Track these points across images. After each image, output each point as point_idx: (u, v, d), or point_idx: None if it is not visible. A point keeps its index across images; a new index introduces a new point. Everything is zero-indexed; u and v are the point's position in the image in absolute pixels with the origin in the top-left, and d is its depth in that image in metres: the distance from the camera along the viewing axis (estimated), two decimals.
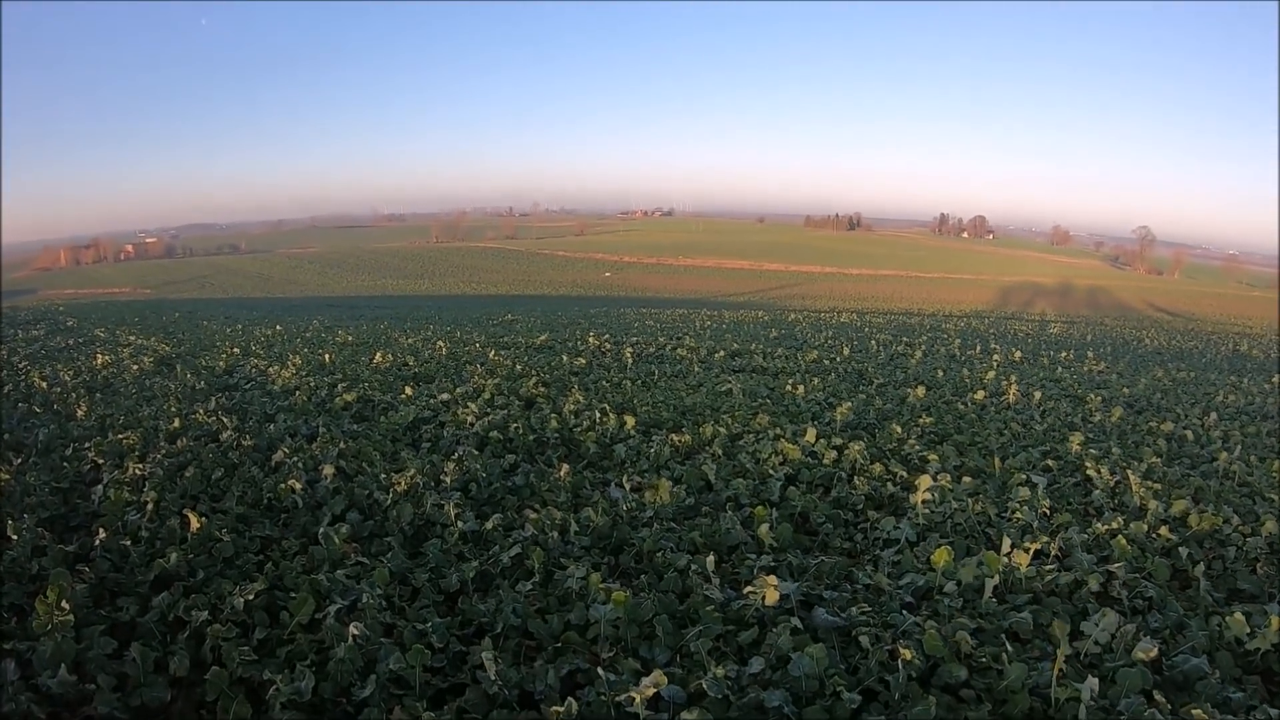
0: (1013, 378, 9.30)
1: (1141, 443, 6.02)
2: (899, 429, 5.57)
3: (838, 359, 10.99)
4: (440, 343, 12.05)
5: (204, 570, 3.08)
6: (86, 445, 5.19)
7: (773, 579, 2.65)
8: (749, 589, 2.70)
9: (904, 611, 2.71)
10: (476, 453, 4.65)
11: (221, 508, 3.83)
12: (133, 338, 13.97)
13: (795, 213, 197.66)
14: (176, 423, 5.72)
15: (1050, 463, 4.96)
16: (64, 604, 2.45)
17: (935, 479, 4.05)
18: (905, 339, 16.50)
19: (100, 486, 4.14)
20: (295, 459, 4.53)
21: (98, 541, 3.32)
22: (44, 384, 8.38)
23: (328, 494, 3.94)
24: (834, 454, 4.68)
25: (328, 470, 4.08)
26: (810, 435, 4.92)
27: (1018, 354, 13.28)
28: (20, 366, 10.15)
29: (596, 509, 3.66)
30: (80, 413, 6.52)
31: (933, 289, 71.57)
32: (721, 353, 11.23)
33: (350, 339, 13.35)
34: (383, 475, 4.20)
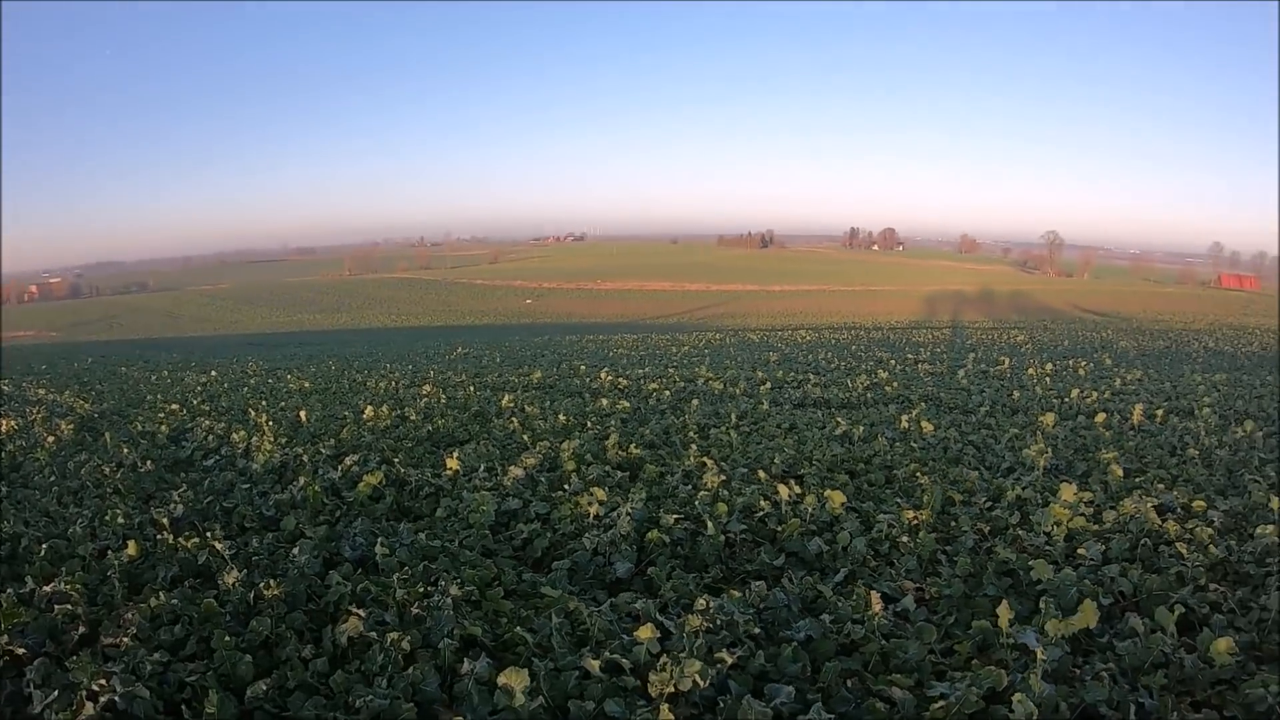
0: (1078, 393, 9.08)
1: None
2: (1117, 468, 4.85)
3: (894, 385, 10.37)
4: (426, 386, 10.77)
5: None
6: None
7: None
8: None
9: None
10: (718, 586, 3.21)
11: None
12: (42, 391, 12.30)
13: (708, 233, 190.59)
14: (132, 548, 3.47)
15: None
16: None
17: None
18: (910, 355, 16.32)
19: None
20: (380, 629, 2.56)
21: None
22: None
23: None
24: (1113, 514, 3.95)
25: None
26: (1068, 493, 4.04)
27: (1050, 366, 13.16)
28: None
29: None
30: None
31: (857, 301, 68.80)
32: (768, 384, 10.48)
33: (306, 385, 11.90)
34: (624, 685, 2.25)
